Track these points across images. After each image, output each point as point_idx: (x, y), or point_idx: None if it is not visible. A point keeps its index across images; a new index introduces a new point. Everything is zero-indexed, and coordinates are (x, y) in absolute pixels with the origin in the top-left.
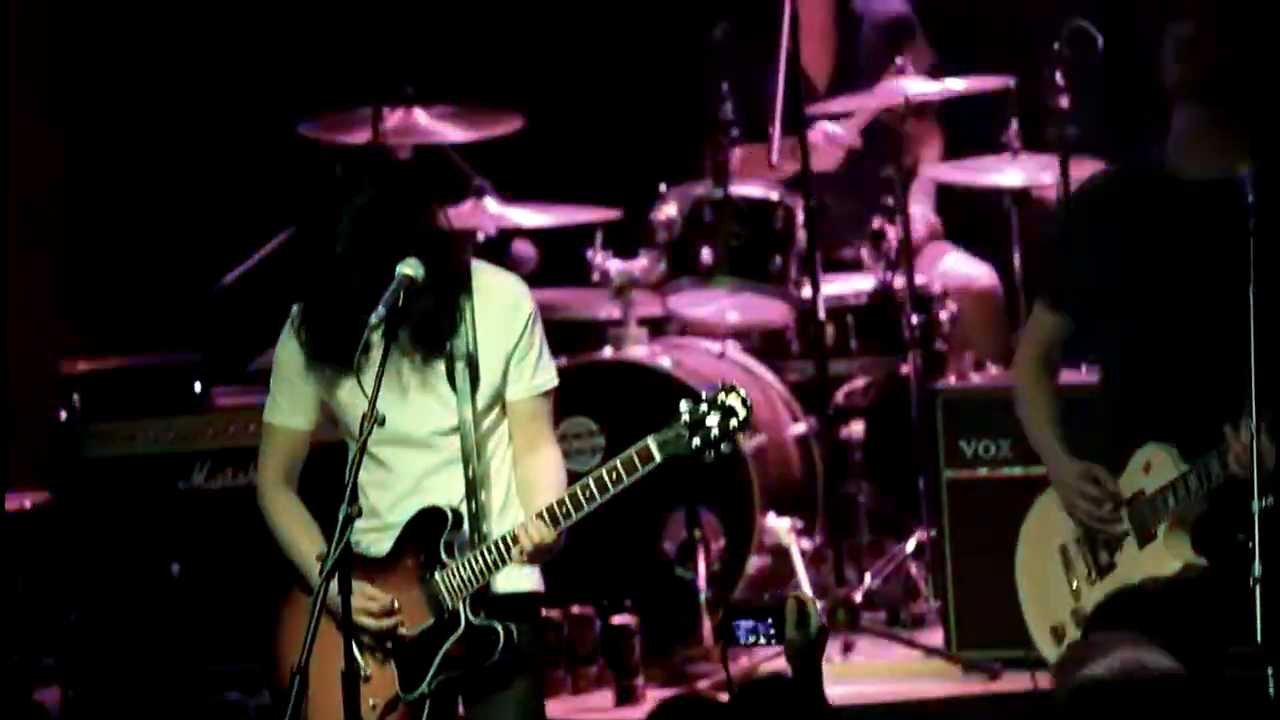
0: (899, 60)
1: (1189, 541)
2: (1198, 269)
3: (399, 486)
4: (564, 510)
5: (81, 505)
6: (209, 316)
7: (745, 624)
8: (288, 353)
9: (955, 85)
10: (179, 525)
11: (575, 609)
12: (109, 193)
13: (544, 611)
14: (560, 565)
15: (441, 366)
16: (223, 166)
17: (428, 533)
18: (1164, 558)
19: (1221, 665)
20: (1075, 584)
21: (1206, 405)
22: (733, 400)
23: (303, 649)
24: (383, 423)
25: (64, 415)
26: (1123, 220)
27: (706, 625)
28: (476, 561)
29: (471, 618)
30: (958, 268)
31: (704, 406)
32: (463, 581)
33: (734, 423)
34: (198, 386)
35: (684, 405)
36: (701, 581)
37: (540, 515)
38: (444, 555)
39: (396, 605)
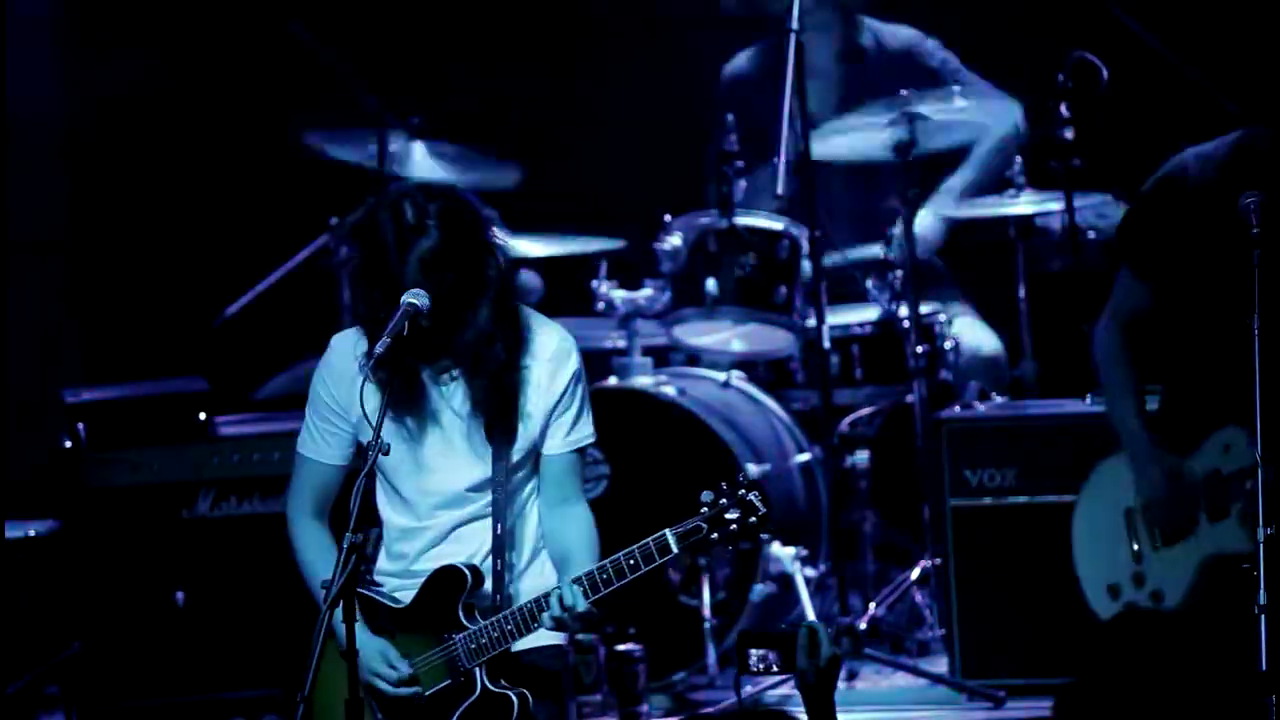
0: (904, 92)
1: (1262, 523)
2: None
3: (428, 536)
4: (591, 582)
5: (86, 534)
6: (214, 346)
7: (757, 652)
8: (325, 387)
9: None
10: (183, 554)
11: (580, 636)
12: (114, 222)
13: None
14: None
15: (482, 419)
16: (228, 197)
17: (447, 591)
18: (1235, 535)
19: (1226, 692)
20: (1138, 547)
21: None
22: (753, 497)
23: (307, 677)
24: (387, 451)
25: (69, 444)
26: (1218, 197)
27: (711, 653)
28: (496, 627)
29: (488, 684)
30: (964, 335)
31: (724, 501)
32: (480, 646)
33: (753, 520)
34: (202, 415)
35: (705, 497)
36: (706, 610)
37: (576, 580)
38: (462, 617)
39: (413, 673)
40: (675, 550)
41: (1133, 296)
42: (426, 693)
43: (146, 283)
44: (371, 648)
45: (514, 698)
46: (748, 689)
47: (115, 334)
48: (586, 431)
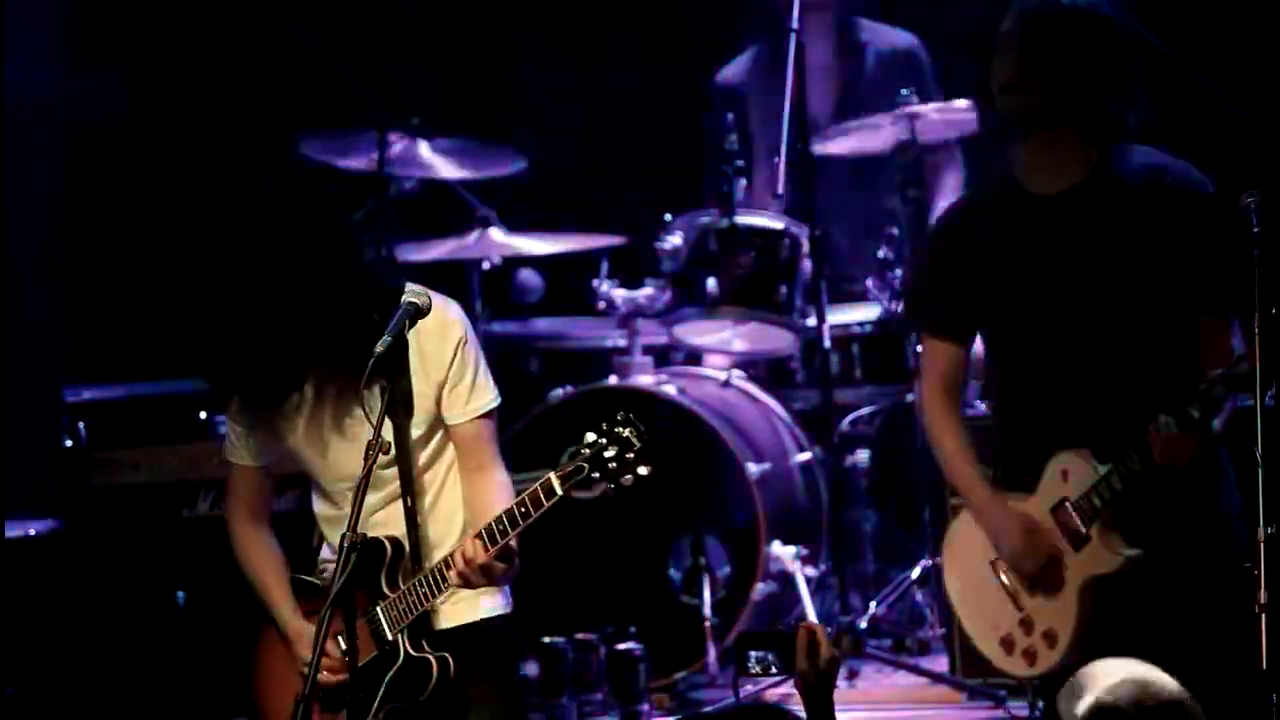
0: (904, 91)
1: (1123, 536)
2: (1067, 276)
3: (350, 523)
4: (489, 534)
5: (86, 534)
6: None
7: (756, 653)
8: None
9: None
10: (184, 554)
11: (580, 636)
12: (115, 221)
13: (547, 639)
14: (565, 592)
15: (377, 399)
16: (229, 196)
17: (370, 565)
18: (1103, 556)
19: (1220, 685)
20: (1016, 594)
21: (1106, 406)
22: (628, 432)
23: (309, 678)
24: (388, 450)
25: (69, 444)
26: (986, 238)
27: (711, 652)
28: (412, 592)
29: (410, 649)
30: None
31: (602, 440)
32: (399, 613)
33: (630, 456)
34: (202, 415)
35: (587, 438)
36: (707, 609)
37: (479, 535)
38: (385, 587)
39: (345, 657)
40: (559, 492)
41: (937, 359)
42: (357, 667)
43: (146, 283)
44: (308, 635)
45: (434, 661)
46: (746, 689)
47: (115, 334)
48: (488, 397)
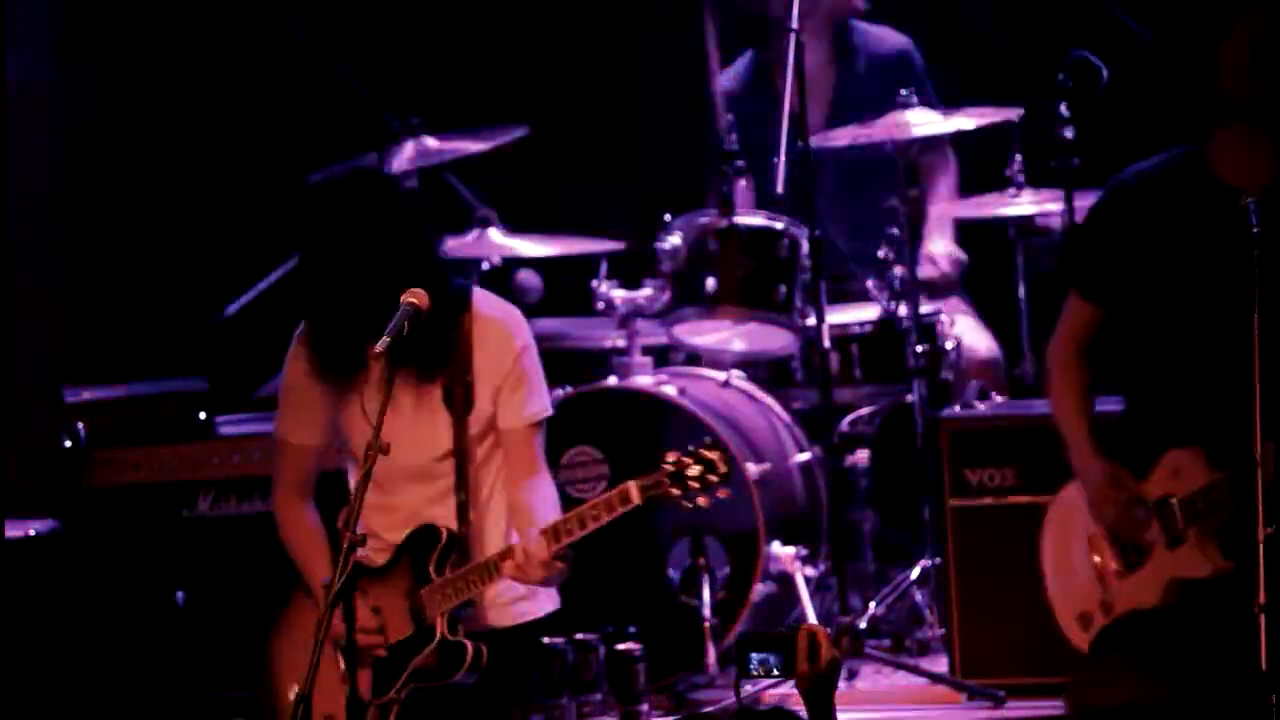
0: (903, 92)
1: (1219, 547)
2: (1239, 276)
3: (399, 515)
4: (553, 534)
5: (86, 534)
6: (214, 345)
7: (757, 655)
8: (295, 370)
9: (962, 124)
10: (183, 554)
11: (579, 636)
12: (115, 221)
13: (547, 640)
14: (564, 592)
15: (439, 394)
16: (229, 195)
17: (422, 548)
18: (1195, 560)
19: (1227, 691)
20: (1104, 575)
21: (1237, 413)
22: (715, 457)
23: (307, 675)
24: (386, 451)
25: (69, 444)
26: (1163, 215)
27: (711, 653)
28: (461, 579)
29: (446, 633)
30: (962, 337)
31: (688, 459)
32: (444, 596)
33: (714, 478)
34: (202, 415)
35: (670, 456)
36: (706, 609)
37: (544, 531)
38: (434, 572)
39: (377, 623)
40: (636, 501)
41: (1078, 317)
42: (390, 643)
43: (146, 283)
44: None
45: (469, 647)
46: (747, 689)
47: (115, 334)
48: (540, 405)
